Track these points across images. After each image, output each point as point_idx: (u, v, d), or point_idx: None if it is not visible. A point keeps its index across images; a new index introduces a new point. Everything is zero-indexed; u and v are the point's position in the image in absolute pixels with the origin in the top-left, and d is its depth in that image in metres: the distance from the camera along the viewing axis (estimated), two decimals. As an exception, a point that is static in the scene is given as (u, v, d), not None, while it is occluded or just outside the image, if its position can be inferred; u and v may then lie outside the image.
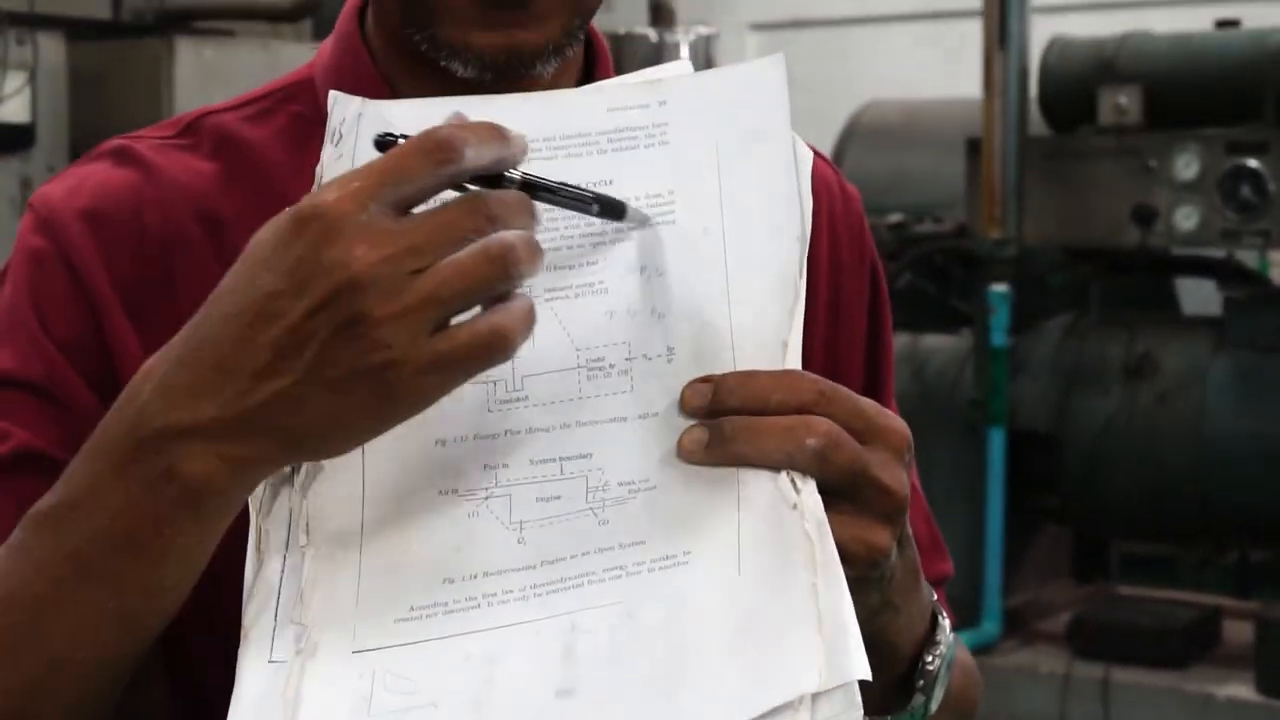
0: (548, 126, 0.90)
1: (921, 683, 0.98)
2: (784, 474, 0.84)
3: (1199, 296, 5.73)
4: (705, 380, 0.86)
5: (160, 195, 1.01)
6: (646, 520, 0.84)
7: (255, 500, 0.85)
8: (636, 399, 0.87)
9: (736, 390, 0.85)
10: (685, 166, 0.90)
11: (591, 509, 0.85)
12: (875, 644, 0.87)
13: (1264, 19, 5.59)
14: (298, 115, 1.04)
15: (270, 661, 0.82)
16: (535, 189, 0.81)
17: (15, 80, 5.40)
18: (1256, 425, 4.87)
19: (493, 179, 0.80)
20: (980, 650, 5.00)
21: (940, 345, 5.43)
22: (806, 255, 0.90)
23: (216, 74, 5.51)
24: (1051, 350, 5.24)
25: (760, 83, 0.92)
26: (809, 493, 0.83)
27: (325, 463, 0.85)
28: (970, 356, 5.18)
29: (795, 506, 0.83)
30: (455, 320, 0.77)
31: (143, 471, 0.79)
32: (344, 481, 0.85)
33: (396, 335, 0.75)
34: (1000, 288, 5.06)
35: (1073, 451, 5.10)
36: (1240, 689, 4.73)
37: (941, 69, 8.54)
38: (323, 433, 0.78)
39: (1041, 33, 5.41)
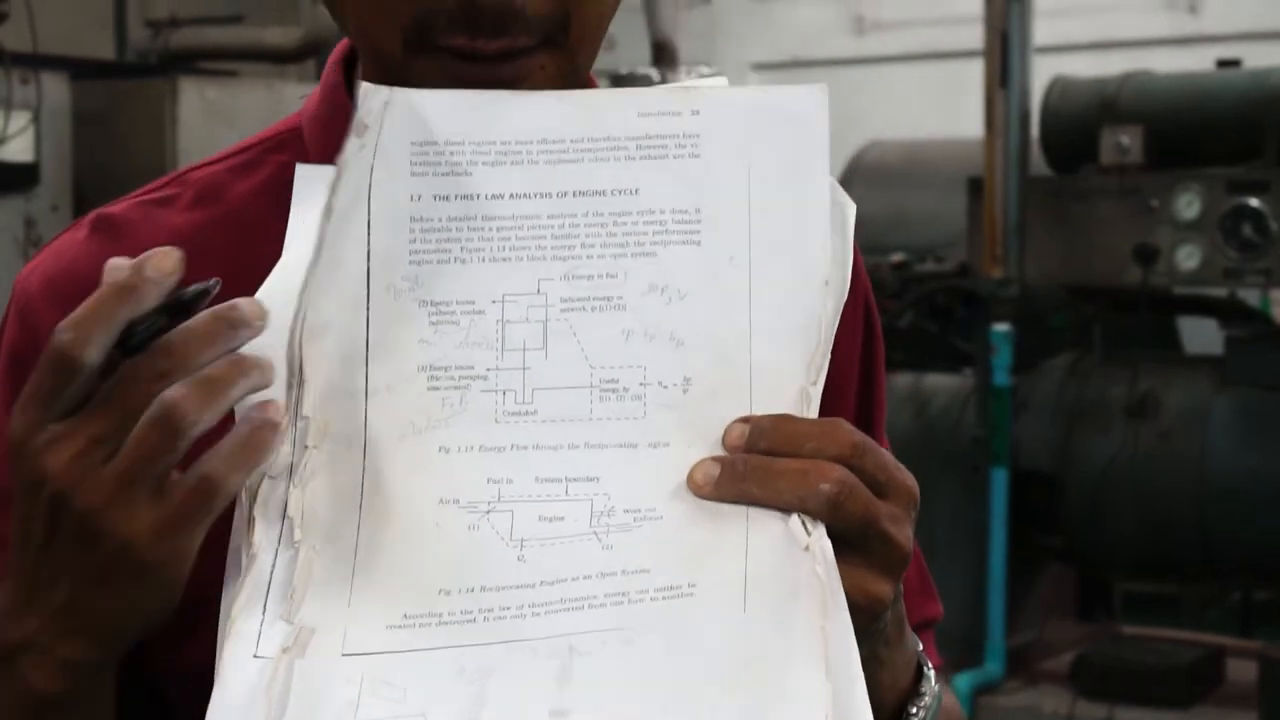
0: (575, 127, 0.87)
1: None
2: (795, 516, 0.81)
3: (1201, 336, 5.73)
4: (744, 420, 0.84)
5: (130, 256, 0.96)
6: (651, 549, 0.82)
7: (249, 490, 0.82)
8: (648, 427, 0.84)
9: (770, 433, 0.83)
10: (715, 185, 0.87)
11: (595, 533, 0.82)
12: None
13: (1265, 59, 5.61)
14: (283, 165, 1.01)
15: (256, 656, 0.80)
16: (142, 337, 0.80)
17: (19, 120, 5.42)
18: (1259, 464, 4.86)
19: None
20: (984, 690, 4.98)
21: (943, 384, 5.43)
22: (841, 307, 0.86)
23: (220, 114, 5.53)
24: (1054, 389, 5.24)
25: (800, 112, 0.88)
26: (820, 536, 0.81)
27: (325, 458, 0.83)
28: (972, 396, 5.17)
29: (807, 548, 0.80)
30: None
31: (7, 687, 0.84)
32: (342, 479, 0.83)
33: (116, 519, 0.79)
34: (1002, 327, 5.06)
35: (1075, 490, 5.09)
36: (1244, 729, 4.72)
37: (943, 109, 8.56)
38: (121, 621, 0.82)
39: (1043, 73, 5.43)
